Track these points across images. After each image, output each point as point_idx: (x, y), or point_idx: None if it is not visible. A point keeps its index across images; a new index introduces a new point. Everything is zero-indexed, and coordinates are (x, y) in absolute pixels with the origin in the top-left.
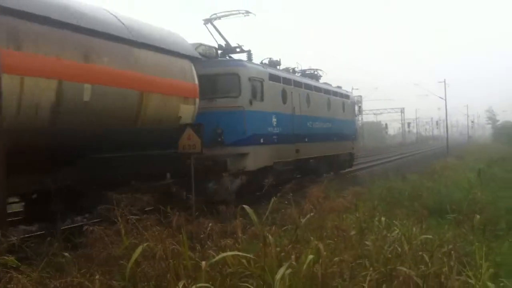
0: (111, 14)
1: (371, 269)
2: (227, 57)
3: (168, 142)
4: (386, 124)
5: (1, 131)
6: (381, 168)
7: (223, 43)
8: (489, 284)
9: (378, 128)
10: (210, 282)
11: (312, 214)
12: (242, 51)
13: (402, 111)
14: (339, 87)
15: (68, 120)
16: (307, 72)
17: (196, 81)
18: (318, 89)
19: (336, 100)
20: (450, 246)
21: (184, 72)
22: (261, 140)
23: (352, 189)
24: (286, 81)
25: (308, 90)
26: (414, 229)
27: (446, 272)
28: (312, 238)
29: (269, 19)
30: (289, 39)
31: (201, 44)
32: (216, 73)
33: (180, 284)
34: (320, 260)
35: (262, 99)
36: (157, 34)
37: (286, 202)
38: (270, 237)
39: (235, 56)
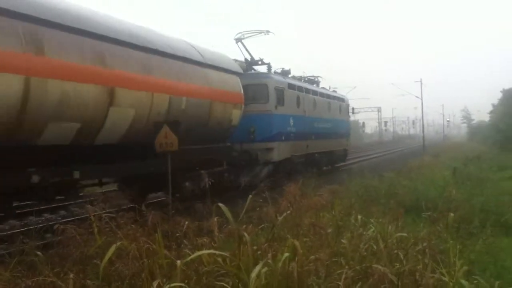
0: (189, 44)
1: (346, 267)
2: (252, 69)
3: (223, 138)
4: (363, 123)
5: None
6: (359, 166)
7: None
8: (463, 281)
9: (356, 127)
10: (186, 281)
11: (288, 212)
12: (263, 63)
13: (379, 110)
14: (334, 91)
15: None
16: (310, 79)
17: (242, 91)
18: (321, 95)
19: (334, 103)
20: (425, 244)
21: (234, 84)
22: (283, 137)
23: (329, 187)
24: (299, 88)
25: (314, 95)
26: (389, 227)
27: (421, 269)
28: (288, 236)
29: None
30: (275, 41)
31: (236, 60)
32: (250, 83)
33: (155, 284)
34: (297, 258)
35: (283, 104)
36: (216, 56)
37: (261, 200)
38: (246, 235)
39: (257, 68)
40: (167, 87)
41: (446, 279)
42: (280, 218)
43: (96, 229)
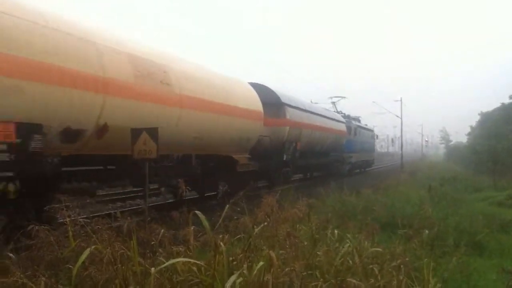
0: (332, 111)
1: (321, 280)
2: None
3: (334, 151)
4: None
5: None
6: (337, 182)
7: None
8: None
9: None
10: None
11: (265, 223)
12: (341, 113)
13: None
14: (366, 125)
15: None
16: (355, 117)
17: (345, 129)
18: (364, 129)
19: (368, 133)
20: (399, 260)
21: (343, 127)
22: (355, 151)
23: (307, 200)
24: (360, 127)
25: (363, 130)
26: (365, 242)
27: (395, 285)
28: (264, 247)
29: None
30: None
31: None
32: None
33: None
34: (272, 269)
35: (355, 135)
36: (338, 115)
37: (238, 209)
38: (222, 245)
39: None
40: (332, 131)
41: None
42: (257, 229)
43: (71, 233)
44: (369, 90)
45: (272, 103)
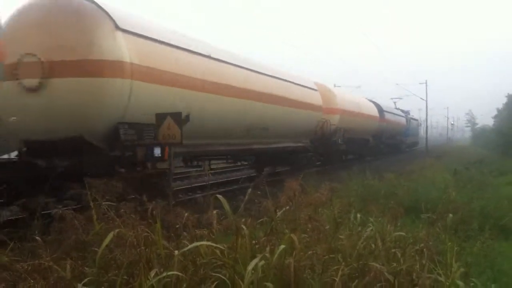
0: (399, 109)
1: (343, 263)
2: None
3: (398, 136)
4: None
5: None
6: (360, 166)
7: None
8: (459, 282)
9: None
10: (183, 272)
11: (288, 207)
12: (402, 111)
13: None
14: (413, 115)
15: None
16: (406, 111)
17: (406, 122)
18: (413, 119)
19: (416, 122)
20: (422, 244)
21: (403, 119)
22: (409, 135)
23: (329, 184)
24: (411, 118)
25: (413, 120)
26: (388, 226)
27: (418, 269)
28: (286, 231)
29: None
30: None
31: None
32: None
33: (152, 273)
34: (294, 253)
35: (409, 125)
36: (401, 112)
37: (259, 192)
38: (244, 228)
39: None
40: (399, 124)
41: (442, 279)
42: (279, 213)
43: (95, 216)
44: (393, 72)
45: (377, 109)
